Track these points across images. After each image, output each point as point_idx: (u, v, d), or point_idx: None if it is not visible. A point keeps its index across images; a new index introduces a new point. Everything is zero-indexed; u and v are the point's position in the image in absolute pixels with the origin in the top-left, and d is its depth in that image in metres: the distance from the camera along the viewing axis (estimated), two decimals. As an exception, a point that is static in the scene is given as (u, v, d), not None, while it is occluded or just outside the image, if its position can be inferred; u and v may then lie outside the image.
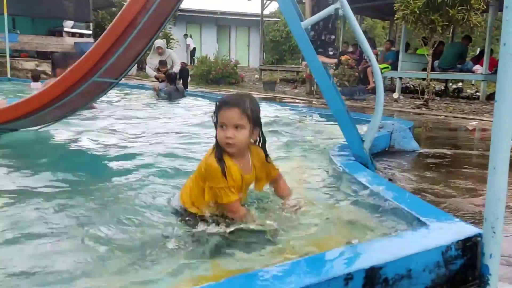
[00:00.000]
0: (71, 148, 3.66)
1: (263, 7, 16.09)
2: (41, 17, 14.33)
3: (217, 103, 1.84)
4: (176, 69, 8.83)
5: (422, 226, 1.71)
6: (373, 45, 11.47)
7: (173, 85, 8.20)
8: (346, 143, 3.03)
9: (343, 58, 9.41)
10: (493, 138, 1.43)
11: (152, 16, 3.26)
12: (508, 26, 1.33)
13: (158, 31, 3.88)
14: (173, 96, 7.92)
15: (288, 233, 1.84)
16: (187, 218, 1.91)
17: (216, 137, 1.82)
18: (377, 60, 10.40)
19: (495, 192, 1.43)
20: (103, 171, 2.99)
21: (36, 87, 8.96)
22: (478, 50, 11.38)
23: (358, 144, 2.87)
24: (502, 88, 1.39)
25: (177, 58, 9.45)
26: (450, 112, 6.95)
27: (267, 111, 6.32)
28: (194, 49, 21.99)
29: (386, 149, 3.74)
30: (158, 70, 8.74)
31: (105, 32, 3.23)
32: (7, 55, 11.41)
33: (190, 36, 23.19)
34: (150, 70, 8.96)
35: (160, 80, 8.75)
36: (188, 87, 10.06)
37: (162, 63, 8.76)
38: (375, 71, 2.95)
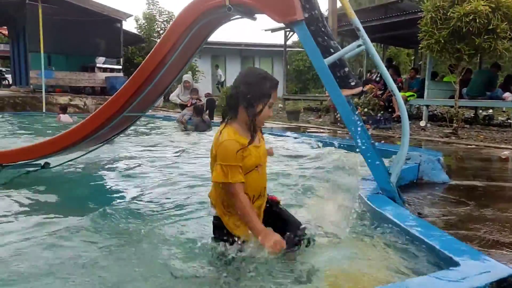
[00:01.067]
0: (102, 183, 3.78)
1: (286, 37, 16.38)
2: (74, 54, 15.02)
3: (269, 85, 1.92)
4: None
5: (454, 265, 1.67)
6: (397, 73, 11.43)
7: (200, 117, 8.37)
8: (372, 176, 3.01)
9: (367, 87, 9.40)
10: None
11: (180, 54, 3.39)
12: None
13: (185, 66, 4.02)
14: (200, 127, 8.07)
15: (320, 267, 1.84)
16: (224, 236, 1.93)
17: (252, 116, 1.89)
18: (402, 88, 10.42)
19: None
20: (134, 204, 3.06)
21: (66, 119, 9.36)
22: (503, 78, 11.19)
23: (384, 177, 2.84)
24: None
25: (200, 90, 9.88)
26: (481, 141, 6.79)
27: (290, 143, 6.35)
28: (224, 81, 22.40)
29: (415, 181, 3.69)
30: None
31: (136, 71, 3.37)
32: (43, 91, 11.96)
33: (217, 67, 23.72)
34: (174, 96, 9.38)
35: (183, 107, 9.08)
36: (214, 117, 10.24)
37: (194, 90, 9.26)
38: (398, 102, 2.96)
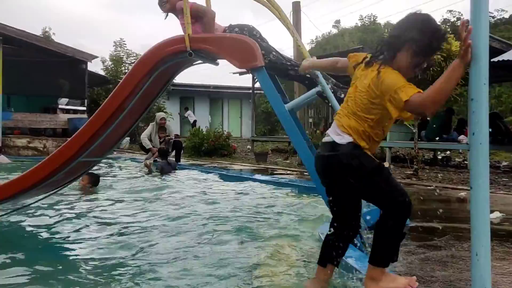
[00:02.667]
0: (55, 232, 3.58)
1: (254, 80, 16.72)
2: (36, 95, 14.71)
3: (439, 43, 1.81)
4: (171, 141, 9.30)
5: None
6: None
7: (165, 159, 8.27)
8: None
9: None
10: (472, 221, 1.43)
11: (141, 97, 3.35)
12: (474, 116, 1.39)
13: (147, 109, 3.98)
14: (165, 170, 7.94)
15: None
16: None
17: (413, 67, 1.82)
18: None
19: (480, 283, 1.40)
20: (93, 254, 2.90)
21: (2, 161, 9.06)
22: (456, 120, 11.77)
23: (345, 222, 2.83)
24: (476, 175, 1.42)
25: (173, 130, 9.89)
26: (439, 182, 6.99)
27: (256, 188, 6.32)
28: (195, 121, 22.37)
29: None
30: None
31: (94, 114, 3.30)
32: (-1, 132, 11.55)
33: (186, 109, 23.75)
34: (147, 140, 9.23)
35: (153, 153, 8.94)
36: (181, 159, 10.13)
37: (162, 129, 9.29)
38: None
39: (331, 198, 2.00)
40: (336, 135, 1.89)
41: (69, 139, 3.37)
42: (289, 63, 3.19)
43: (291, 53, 11.36)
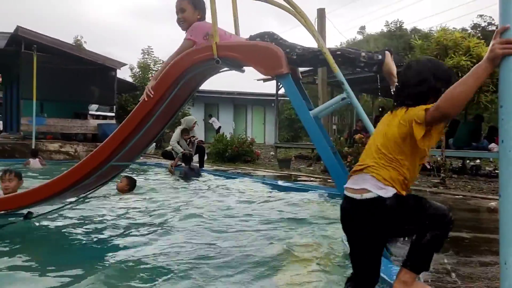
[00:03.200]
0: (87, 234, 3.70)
1: (277, 87, 16.77)
2: (68, 101, 15.18)
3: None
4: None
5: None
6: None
7: (188, 165, 8.37)
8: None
9: (356, 137, 9.54)
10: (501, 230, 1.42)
11: (169, 104, 3.44)
12: (503, 124, 1.38)
13: (174, 116, 4.07)
14: (188, 175, 8.04)
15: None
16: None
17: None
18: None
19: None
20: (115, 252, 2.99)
21: (35, 165, 9.32)
22: (487, 128, 11.45)
23: (371, 229, 2.82)
24: (505, 183, 1.41)
25: (195, 134, 10.02)
26: (468, 191, 6.83)
27: (279, 193, 6.34)
28: (219, 128, 22.60)
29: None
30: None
31: (124, 120, 3.40)
32: (33, 137, 11.95)
33: (210, 116, 24.02)
34: (178, 145, 9.36)
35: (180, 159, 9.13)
36: (204, 165, 10.24)
37: (186, 131, 9.35)
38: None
39: (358, 251, 1.93)
40: (379, 189, 1.83)
41: (101, 144, 3.48)
42: (317, 51, 3.19)
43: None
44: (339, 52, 3.11)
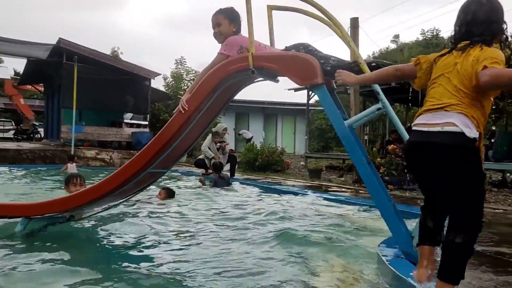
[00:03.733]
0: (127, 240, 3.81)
1: (308, 97, 16.74)
2: (104, 110, 15.69)
3: None
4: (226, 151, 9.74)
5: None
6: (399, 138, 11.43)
7: (218, 173, 8.44)
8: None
9: (390, 147, 9.40)
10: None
11: (204, 113, 3.53)
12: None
13: (209, 125, 4.16)
14: (218, 184, 8.11)
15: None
16: None
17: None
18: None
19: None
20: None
21: (72, 170, 9.67)
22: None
23: (406, 240, 2.79)
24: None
25: (226, 140, 10.14)
26: (509, 205, 6.59)
27: (307, 202, 6.32)
28: (251, 137, 22.74)
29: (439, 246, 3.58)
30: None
31: (162, 129, 3.51)
32: (72, 145, 12.41)
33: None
34: (209, 150, 9.55)
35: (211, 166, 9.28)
36: (235, 174, 10.32)
37: (217, 134, 9.54)
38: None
39: (427, 186, 2.04)
40: (465, 126, 1.76)
41: (136, 151, 3.60)
42: (351, 63, 3.21)
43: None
44: (374, 64, 3.13)
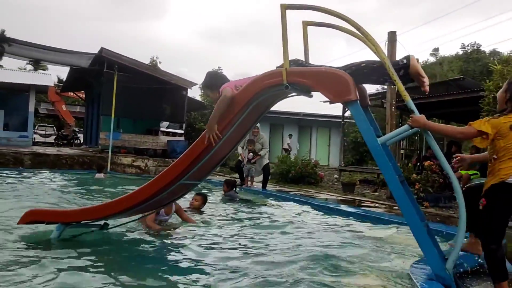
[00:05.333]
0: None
1: (344, 109, 16.59)
2: (141, 118, 16.12)
3: None
4: (263, 152, 9.72)
5: None
6: (459, 150, 11.06)
7: (233, 189, 8.27)
8: (427, 260, 2.87)
9: (426, 163, 9.15)
10: None
11: (238, 127, 3.57)
12: None
13: (242, 139, 4.20)
14: (233, 197, 8.00)
15: None
16: None
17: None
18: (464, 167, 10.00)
19: None
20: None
21: (99, 177, 9.98)
22: None
23: (439, 263, 2.71)
24: None
25: (267, 142, 10.09)
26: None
27: (340, 218, 6.24)
28: (289, 150, 22.64)
29: (475, 269, 3.45)
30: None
31: (196, 141, 3.57)
32: (109, 151, 12.80)
33: (290, 136, 24.23)
34: (240, 148, 9.63)
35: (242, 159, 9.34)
36: (267, 185, 10.30)
37: (251, 141, 9.49)
38: (453, 184, 2.86)
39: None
40: None
41: (173, 160, 3.69)
42: (361, 63, 3.19)
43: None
44: (364, 64, 3.12)
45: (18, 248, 3.51)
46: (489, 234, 2.69)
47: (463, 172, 8.80)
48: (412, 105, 2.91)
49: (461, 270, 3.16)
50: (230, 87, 3.46)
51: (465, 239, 2.96)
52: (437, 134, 2.95)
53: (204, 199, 6.00)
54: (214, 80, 3.75)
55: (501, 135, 2.70)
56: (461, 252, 2.87)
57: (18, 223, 3.88)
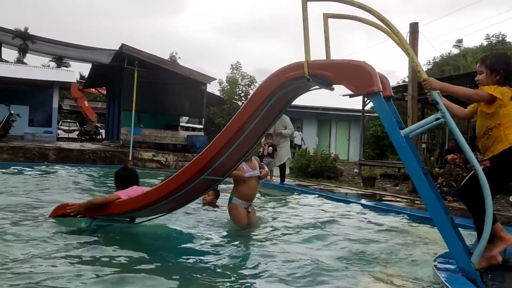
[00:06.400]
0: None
1: (364, 103, 16.42)
2: (161, 113, 16.29)
3: None
4: (287, 132, 9.70)
5: None
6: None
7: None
8: (452, 253, 2.84)
9: (449, 157, 9.00)
10: None
11: (260, 120, 3.56)
12: None
13: (264, 132, 4.19)
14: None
15: None
16: None
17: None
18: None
19: None
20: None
21: None
22: None
23: (464, 257, 2.67)
24: None
25: (290, 123, 10.04)
26: None
27: (361, 211, 6.19)
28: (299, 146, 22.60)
29: (500, 263, 3.38)
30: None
31: (218, 135, 3.58)
32: (131, 146, 12.99)
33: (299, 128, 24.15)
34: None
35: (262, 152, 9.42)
36: (286, 179, 10.28)
37: (269, 135, 9.37)
38: (479, 177, 2.81)
39: None
40: None
41: (193, 154, 3.71)
42: None
43: (405, 75, 10.97)
44: None
45: (48, 240, 3.60)
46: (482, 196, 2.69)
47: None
48: (436, 96, 2.86)
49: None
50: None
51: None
52: (453, 95, 2.97)
53: (216, 193, 6.07)
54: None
55: (504, 103, 2.88)
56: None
57: (49, 216, 3.99)
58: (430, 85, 2.87)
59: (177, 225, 4.49)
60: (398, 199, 8.46)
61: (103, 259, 3.10)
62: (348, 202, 7.04)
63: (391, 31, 3.08)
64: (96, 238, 3.69)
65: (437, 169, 8.92)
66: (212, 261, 3.26)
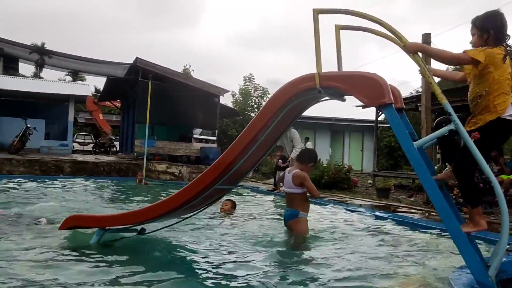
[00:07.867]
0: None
1: (377, 114, 16.34)
2: (175, 125, 16.42)
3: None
4: (295, 152, 9.44)
5: None
6: (500, 154, 10.65)
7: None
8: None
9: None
10: None
11: (271, 131, 3.60)
12: None
13: (274, 143, 4.22)
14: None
15: None
16: None
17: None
18: (504, 170, 9.61)
19: None
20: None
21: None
22: None
23: (481, 269, 2.63)
24: None
25: (298, 138, 9.99)
26: None
27: (380, 223, 6.13)
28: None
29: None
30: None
31: (230, 146, 3.63)
32: (145, 158, 13.10)
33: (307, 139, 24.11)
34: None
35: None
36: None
37: (279, 148, 9.40)
38: (495, 188, 2.77)
39: None
40: None
41: (207, 166, 3.76)
42: None
43: (418, 85, 10.90)
44: None
45: (59, 252, 3.64)
46: (472, 163, 2.71)
47: (504, 176, 8.48)
48: (449, 107, 2.84)
49: (504, 277, 3.04)
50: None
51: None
52: (434, 58, 2.93)
53: (233, 203, 6.22)
54: None
55: (495, 66, 2.71)
56: (504, 258, 2.77)
57: (59, 229, 4.03)
58: (408, 49, 2.84)
59: (195, 236, 4.51)
60: (413, 210, 8.34)
61: (112, 274, 3.12)
62: (362, 213, 6.98)
63: (402, 43, 3.09)
64: (104, 253, 3.72)
65: (453, 181, 8.79)
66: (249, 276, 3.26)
